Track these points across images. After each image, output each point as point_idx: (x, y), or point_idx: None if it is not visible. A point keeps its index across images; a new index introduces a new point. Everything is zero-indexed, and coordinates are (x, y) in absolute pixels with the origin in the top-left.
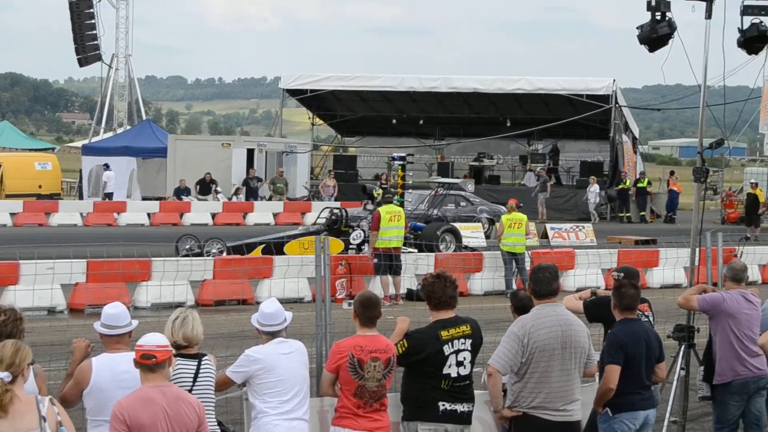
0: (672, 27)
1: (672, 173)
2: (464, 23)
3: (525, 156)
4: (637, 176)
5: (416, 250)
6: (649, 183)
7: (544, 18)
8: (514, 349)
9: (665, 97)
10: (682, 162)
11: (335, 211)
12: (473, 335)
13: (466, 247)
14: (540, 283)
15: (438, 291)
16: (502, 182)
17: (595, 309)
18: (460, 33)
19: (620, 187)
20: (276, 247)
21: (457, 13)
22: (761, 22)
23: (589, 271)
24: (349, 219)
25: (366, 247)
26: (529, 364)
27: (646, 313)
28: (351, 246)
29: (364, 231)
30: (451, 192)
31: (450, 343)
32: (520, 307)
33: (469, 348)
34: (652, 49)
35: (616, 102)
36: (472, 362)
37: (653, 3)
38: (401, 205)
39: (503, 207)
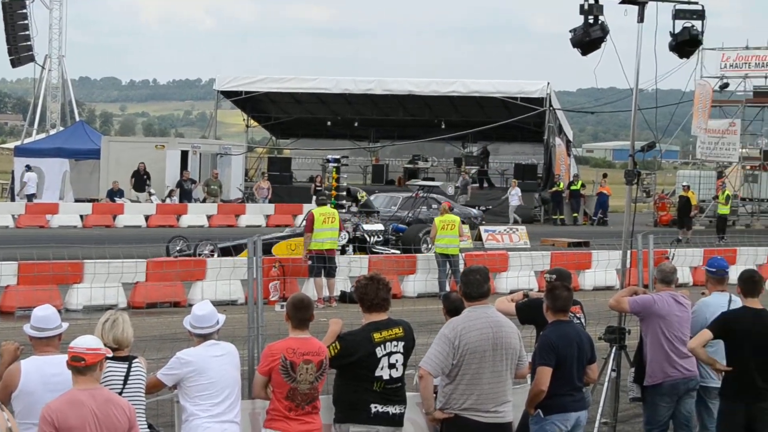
0: (605, 30)
1: (605, 176)
2: (400, 25)
3: (459, 158)
4: (571, 179)
5: (399, 252)
6: (582, 185)
7: (479, 21)
8: (446, 352)
9: (599, 100)
10: (615, 165)
11: None
12: (406, 337)
13: None
14: (471, 286)
15: (371, 293)
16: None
17: (527, 311)
18: (396, 35)
19: (554, 189)
20: (264, 248)
21: (392, 16)
22: (693, 26)
23: (523, 273)
24: None
25: (349, 248)
26: (461, 366)
27: (578, 315)
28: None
29: (348, 232)
30: (424, 195)
31: (382, 346)
32: (452, 309)
33: (402, 350)
34: (584, 53)
35: (550, 105)
36: (405, 364)
37: (586, 6)
38: (336, 207)
39: (474, 210)
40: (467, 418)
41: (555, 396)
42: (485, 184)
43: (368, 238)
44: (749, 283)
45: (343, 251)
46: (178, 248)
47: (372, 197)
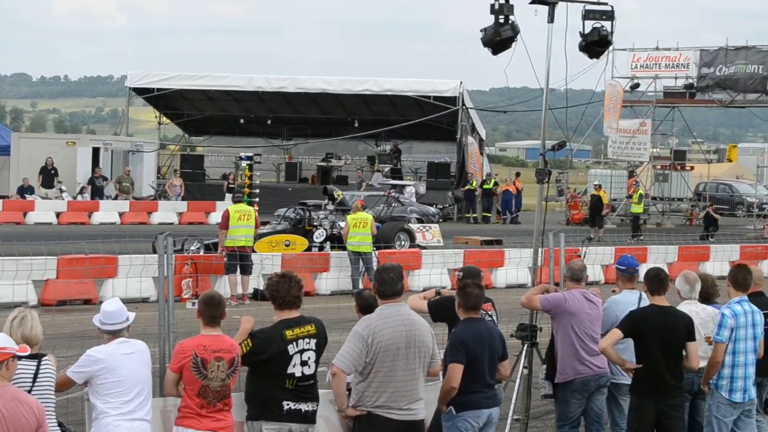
0: (515, 30)
1: (518, 174)
2: (313, 23)
3: (373, 157)
4: (483, 177)
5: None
6: (495, 184)
7: (392, 19)
8: (359, 349)
9: (512, 100)
10: (528, 163)
11: (299, 210)
12: (318, 335)
13: (418, 246)
14: (385, 284)
15: (282, 291)
16: (349, 182)
17: (439, 308)
18: (309, 32)
19: (466, 188)
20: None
21: (305, 12)
22: (602, 26)
23: (436, 271)
24: (312, 218)
25: (327, 245)
26: (374, 363)
27: (489, 313)
28: (314, 244)
29: (326, 230)
30: (382, 194)
31: (294, 343)
32: (365, 306)
33: (314, 347)
34: (495, 52)
35: (463, 104)
36: (317, 362)
37: (497, 6)
38: (251, 204)
39: (431, 208)
40: (380, 416)
41: (466, 393)
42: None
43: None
44: (655, 281)
45: (320, 248)
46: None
47: None
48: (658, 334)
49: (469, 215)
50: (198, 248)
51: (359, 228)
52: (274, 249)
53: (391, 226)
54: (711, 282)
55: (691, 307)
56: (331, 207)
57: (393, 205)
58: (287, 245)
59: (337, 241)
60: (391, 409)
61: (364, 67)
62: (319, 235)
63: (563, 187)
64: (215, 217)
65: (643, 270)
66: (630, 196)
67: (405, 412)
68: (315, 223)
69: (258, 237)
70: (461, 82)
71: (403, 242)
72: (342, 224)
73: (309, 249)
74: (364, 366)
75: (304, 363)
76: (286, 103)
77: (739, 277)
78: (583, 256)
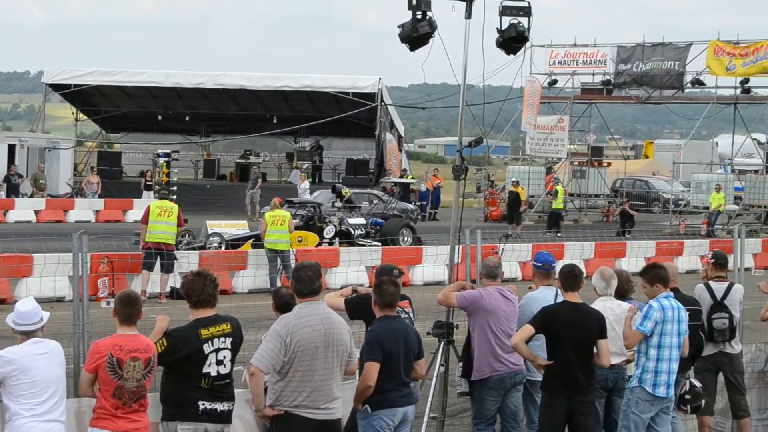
0: (432, 26)
1: (436, 170)
2: (231, 17)
3: (292, 153)
4: (401, 174)
5: (380, 245)
6: (412, 179)
7: (311, 14)
8: (277, 348)
9: (430, 96)
10: (447, 160)
11: (311, 208)
12: (233, 334)
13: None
14: (302, 282)
15: (197, 289)
16: (268, 179)
17: (356, 306)
18: (228, 27)
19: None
20: (234, 246)
21: (224, 7)
22: (519, 23)
23: (353, 269)
24: (323, 215)
25: (337, 240)
26: (292, 362)
27: (406, 310)
28: (324, 239)
29: (335, 226)
30: (364, 191)
31: (210, 342)
32: (282, 305)
33: (230, 346)
34: (412, 48)
35: (382, 100)
36: (233, 361)
37: (414, 2)
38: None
39: (410, 205)
40: (298, 415)
41: (382, 391)
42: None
43: (352, 231)
44: (568, 277)
45: (330, 243)
46: (185, 240)
47: (315, 194)
48: (570, 330)
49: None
50: (219, 243)
51: (277, 226)
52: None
53: (395, 223)
54: (626, 278)
55: (606, 304)
56: (339, 204)
57: (394, 203)
58: (300, 241)
59: (345, 236)
60: (308, 409)
61: (283, 63)
62: (329, 231)
63: (481, 184)
64: (133, 215)
65: (559, 266)
66: (550, 193)
67: (322, 411)
68: (326, 220)
69: (245, 239)
70: (380, 79)
71: (406, 238)
72: (350, 221)
73: (320, 244)
74: (282, 365)
75: (219, 362)
76: (204, 99)
77: (662, 273)
78: (501, 253)
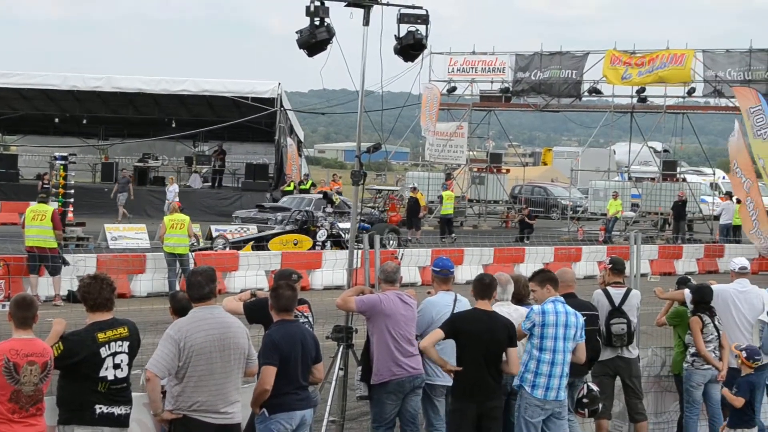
0: (330, 32)
1: (334, 176)
2: (126, 19)
3: (191, 157)
4: (302, 179)
5: (369, 247)
6: (313, 185)
7: (209, 16)
8: (172, 353)
9: (330, 102)
10: (346, 165)
11: (305, 213)
12: (131, 337)
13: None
14: (191, 288)
15: (94, 292)
16: (167, 184)
17: (254, 310)
18: (123, 29)
19: (284, 189)
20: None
21: (118, 8)
22: (417, 30)
23: (252, 273)
24: (316, 220)
25: (329, 243)
26: (187, 367)
27: (305, 314)
28: (317, 242)
29: (327, 230)
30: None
31: (107, 346)
32: (179, 308)
33: (127, 350)
34: (311, 54)
35: (281, 105)
36: (130, 365)
37: (312, 8)
38: (63, 205)
39: (375, 211)
40: (196, 419)
41: (280, 395)
42: (217, 184)
43: (343, 235)
44: (478, 286)
45: (323, 246)
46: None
47: (284, 200)
48: (480, 337)
49: None
50: (224, 245)
51: (176, 229)
52: (284, 247)
53: (380, 227)
54: (523, 283)
55: (503, 308)
56: (329, 210)
57: (379, 208)
58: (295, 244)
59: (336, 239)
60: (207, 413)
61: (183, 67)
62: (321, 235)
63: (381, 189)
64: None
65: (458, 272)
66: (441, 197)
67: (221, 415)
68: (318, 224)
69: (270, 237)
70: (279, 84)
71: (391, 242)
72: (341, 225)
73: (313, 247)
74: (178, 369)
75: (116, 366)
76: (102, 102)
77: (551, 275)
78: (400, 258)
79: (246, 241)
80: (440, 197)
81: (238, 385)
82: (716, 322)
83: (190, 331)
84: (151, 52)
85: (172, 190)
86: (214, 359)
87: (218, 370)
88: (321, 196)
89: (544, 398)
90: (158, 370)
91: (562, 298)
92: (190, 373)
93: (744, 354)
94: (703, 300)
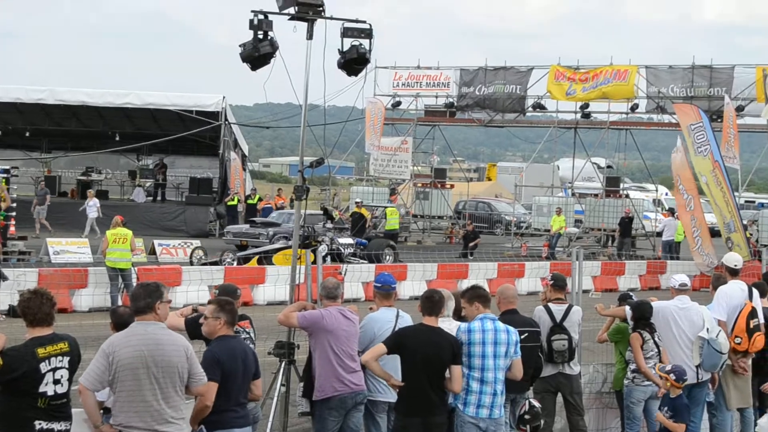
0: (274, 46)
1: (280, 190)
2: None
3: (134, 171)
4: (247, 193)
5: (366, 261)
6: (259, 199)
7: (154, 30)
8: (103, 366)
9: (276, 115)
10: (291, 180)
11: (306, 228)
12: (71, 352)
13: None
14: (132, 299)
15: (34, 307)
16: (110, 197)
17: (196, 326)
18: (64, 43)
19: (228, 203)
20: (267, 258)
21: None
22: (361, 44)
23: (196, 288)
24: (317, 235)
25: (329, 259)
26: (116, 382)
27: (247, 330)
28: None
29: (327, 245)
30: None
31: (47, 361)
32: (120, 324)
33: (67, 365)
34: (254, 68)
35: (226, 119)
36: (70, 380)
37: (255, 22)
38: (5, 219)
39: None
40: None
41: (219, 412)
42: (159, 198)
43: (342, 250)
44: (428, 303)
45: (324, 260)
46: (198, 257)
47: (273, 215)
48: (423, 352)
49: None
50: (233, 259)
51: (119, 244)
52: (288, 261)
53: (378, 243)
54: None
55: (444, 324)
56: (329, 225)
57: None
58: (299, 259)
59: (336, 255)
60: (138, 429)
61: (126, 80)
62: (322, 250)
63: (326, 204)
64: None
65: (401, 287)
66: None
67: None
68: (319, 239)
69: (274, 251)
70: (224, 97)
71: (388, 257)
72: (341, 240)
73: (314, 262)
74: (111, 384)
75: (56, 381)
76: (45, 115)
77: (481, 292)
78: (343, 274)
79: (253, 255)
80: (384, 212)
81: (176, 404)
82: (656, 339)
83: (119, 345)
84: (92, 64)
85: (93, 204)
86: (140, 376)
87: (147, 387)
88: (321, 211)
89: (476, 415)
90: (89, 382)
91: (492, 315)
92: (120, 388)
93: (673, 377)
94: (642, 316)
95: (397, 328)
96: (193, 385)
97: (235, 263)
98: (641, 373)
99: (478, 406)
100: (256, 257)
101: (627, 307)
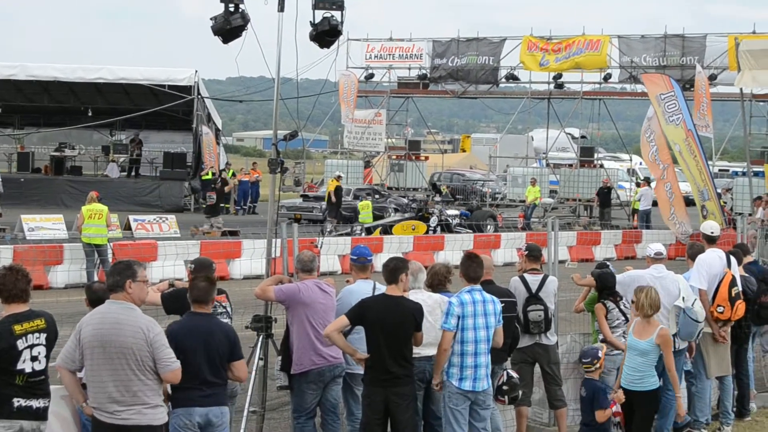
0: (245, 19)
1: (254, 164)
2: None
3: (108, 146)
4: (222, 167)
5: (471, 231)
6: (233, 174)
7: (126, 4)
8: (73, 344)
9: (248, 89)
10: (266, 153)
11: (419, 202)
12: (48, 329)
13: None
14: (106, 276)
15: (9, 284)
16: (84, 173)
17: (172, 301)
18: (35, 17)
19: (203, 177)
20: (387, 229)
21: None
22: (332, 16)
23: (172, 263)
24: (428, 207)
25: (439, 229)
26: (83, 360)
27: (224, 304)
28: (429, 227)
29: (437, 217)
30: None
31: (24, 338)
32: (95, 300)
33: (44, 342)
34: (226, 41)
35: (199, 93)
36: (47, 357)
37: None
38: None
39: (404, 199)
40: (95, 417)
41: (181, 389)
42: (133, 173)
43: (451, 221)
44: (385, 271)
45: (434, 231)
46: (329, 229)
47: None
48: (383, 322)
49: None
50: (356, 230)
51: (94, 219)
52: (405, 232)
53: (480, 214)
54: (435, 270)
55: (417, 296)
56: (438, 198)
57: (376, 196)
58: (413, 229)
59: (445, 225)
60: (100, 411)
61: (97, 55)
62: (433, 221)
63: (300, 178)
64: None
65: (378, 260)
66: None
67: (111, 415)
68: (430, 212)
69: (394, 223)
70: (196, 71)
71: (489, 226)
72: (449, 212)
73: (426, 232)
74: (81, 362)
75: (34, 358)
76: (17, 91)
77: (470, 270)
78: (320, 247)
79: (376, 227)
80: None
81: (132, 386)
82: (622, 307)
83: (85, 324)
84: (64, 39)
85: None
86: (97, 355)
87: (104, 368)
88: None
89: (472, 389)
90: (62, 361)
91: (478, 287)
92: (86, 366)
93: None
94: (605, 286)
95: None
96: (160, 370)
97: (363, 234)
98: (609, 343)
99: (472, 379)
100: (379, 228)
101: None
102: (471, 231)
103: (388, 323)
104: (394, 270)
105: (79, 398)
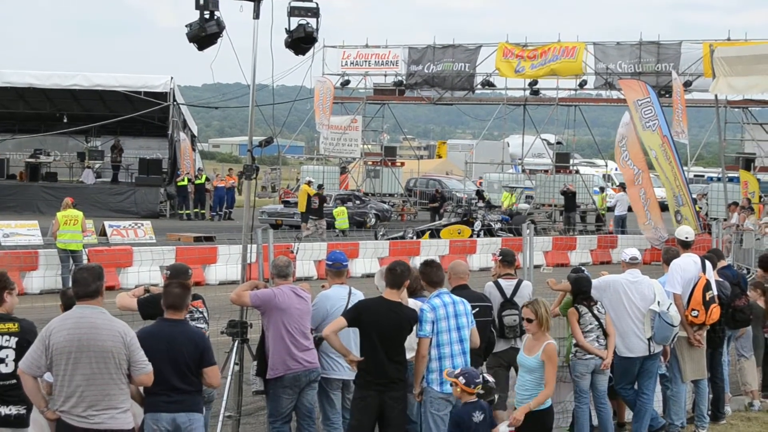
0: (220, 26)
1: (230, 170)
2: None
3: (83, 153)
4: (196, 173)
5: (512, 235)
6: (207, 180)
7: (102, 13)
8: (39, 350)
9: (224, 96)
10: (241, 159)
11: (465, 207)
12: (20, 334)
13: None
14: (77, 284)
15: None
16: (59, 179)
17: (147, 306)
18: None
19: (178, 184)
20: (435, 233)
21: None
22: (308, 23)
23: (147, 269)
24: (472, 213)
25: (482, 233)
26: (52, 366)
27: (200, 310)
28: (474, 231)
29: (481, 222)
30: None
31: None
32: (69, 305)
33: (14, 346)
34: (201, 48)
35: (174, 100)
36: (16, 361)
37: (201, 2)
38: None
39: (385, 205)
40: (63, 421)
41: (150, 394)
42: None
43: (493, 225)
44: (390, 275)
45: (478, 235)
46: (381, 233)
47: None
48: (380, 326)
49: (182, 211)
50: (409, 235)
51: (69, 225)
52: (451, 236)
53: (520, 218)
54: (416, 275)
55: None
56: (481, 204)
57: (356, 201)
58: (459, 233)
59: (487, 230)
60: (71, 415)
61: (73, 62)
62: (477, 226)
63: (276, 183)
64: None
65: (353, 265)
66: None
67: (84, 419)
68: (474, 217)
69: (441, 227)
70: (172, 78)
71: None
72: (491, 217)
73: (471, 236)
74: (49, 368)
75: (0, 360)
76: None
77: (432, 275)
78: (295, 252)
79: (425, 231)
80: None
81: (109, 390)
82: (595, 312)
83: (55, 329)
84: (39, 47)
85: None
86: (72, 360)
87: (79, 373)
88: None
89: (449, 391)
90: (26, 366)
91: (446, 290)
92: (55, 372)
93: (462, 380)
94: (579, 291)
95: (360, 301)
96: (134, 373)
97: (414, 237)
98: (581, 347)
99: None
100: (428, 232)
101: None
102: (512, 234)
103: (387, 326)
104: (401, 275)
105: (41, 403)
